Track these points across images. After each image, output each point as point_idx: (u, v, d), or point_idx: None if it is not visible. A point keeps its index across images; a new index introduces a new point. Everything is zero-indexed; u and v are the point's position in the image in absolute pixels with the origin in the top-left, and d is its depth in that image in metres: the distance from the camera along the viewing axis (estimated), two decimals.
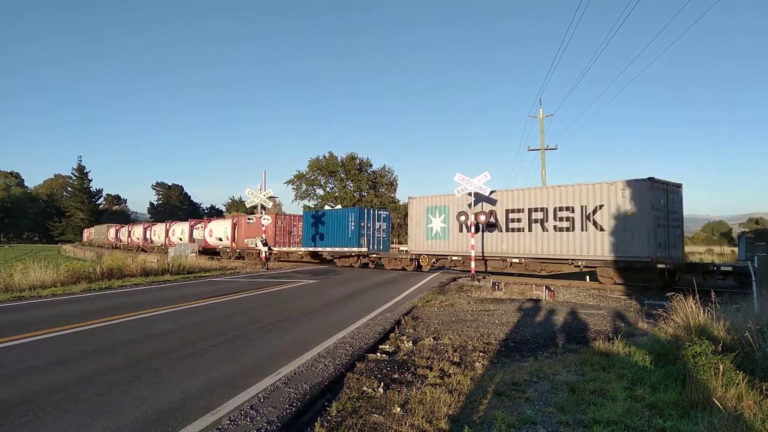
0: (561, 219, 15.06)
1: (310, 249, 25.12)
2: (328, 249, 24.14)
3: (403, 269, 20.55)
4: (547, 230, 15.40)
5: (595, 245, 14.24)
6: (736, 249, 21.74)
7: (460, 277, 16.82)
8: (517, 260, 16.27)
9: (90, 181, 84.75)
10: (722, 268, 12.49)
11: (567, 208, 14.92)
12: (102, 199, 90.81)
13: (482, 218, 15.66)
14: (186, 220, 41.21)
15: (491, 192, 15.91)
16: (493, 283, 13.50)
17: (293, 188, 50.83)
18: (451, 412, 3.90)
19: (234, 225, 31.19)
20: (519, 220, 16.21)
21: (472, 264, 16.00)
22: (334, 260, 24.73)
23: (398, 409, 3.97)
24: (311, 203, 49.70)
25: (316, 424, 3.69)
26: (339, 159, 49.53)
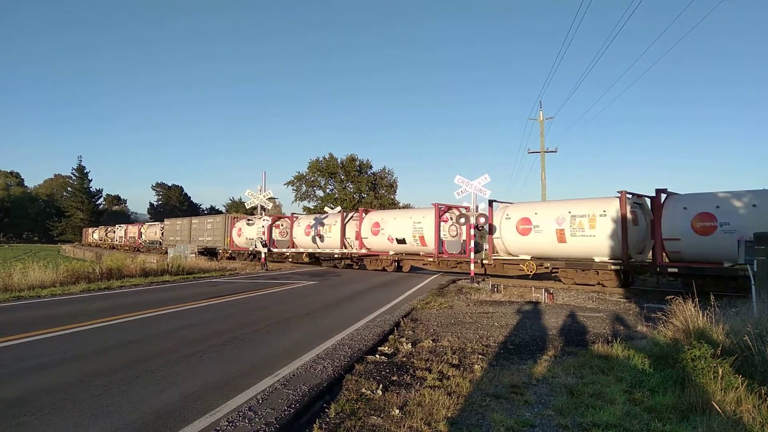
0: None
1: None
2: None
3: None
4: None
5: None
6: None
7: (459, 279, 16.81)
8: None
9: (90, 181, 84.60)
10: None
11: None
12: (102, 199, 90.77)
13: (482, 220, 15.66)
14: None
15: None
16: (492, 286, 13.50)
17: (293, 189, 50.84)
18: (449, 415, 3.90)
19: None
20: None
21: (471, 266, 16.00)
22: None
23: (397, 411, 3.97)
24: (311, 204, 49.74)
25: (314, 425, 3.69)
26: (339, 160, 49.57)
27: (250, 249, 27.06)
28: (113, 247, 50.15)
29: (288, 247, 25.79)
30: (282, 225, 26.77)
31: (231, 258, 29.97)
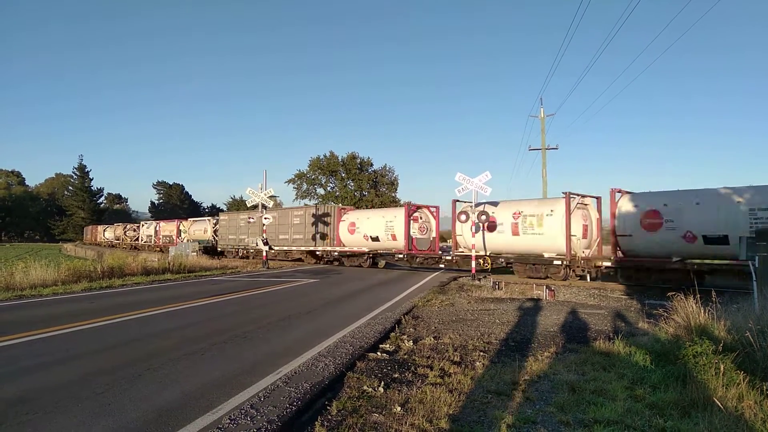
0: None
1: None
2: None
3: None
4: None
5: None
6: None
7: (460, 277, 16.81)
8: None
9: (91, 180, 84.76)
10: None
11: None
12: (103, 198, 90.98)
13: (483, 218, 15.63)
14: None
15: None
16: (494, 283, 13.50)
17: (294, 187, 50.85)
18: (451, 412, 3.90)
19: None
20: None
21: (473, 263, 15.98)
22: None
23: (398, 408, 3.97)
24: (312, 203, 49.74)
25: (316, 423, 3.69)
26: (340, 158, 49.55)
27: (366, 250, 20.57)
28: (136, 248, 43.08)
29: (431, 248, 19.24)
30: (422, 218, 19.85)
31: (334, 261, 23.17)
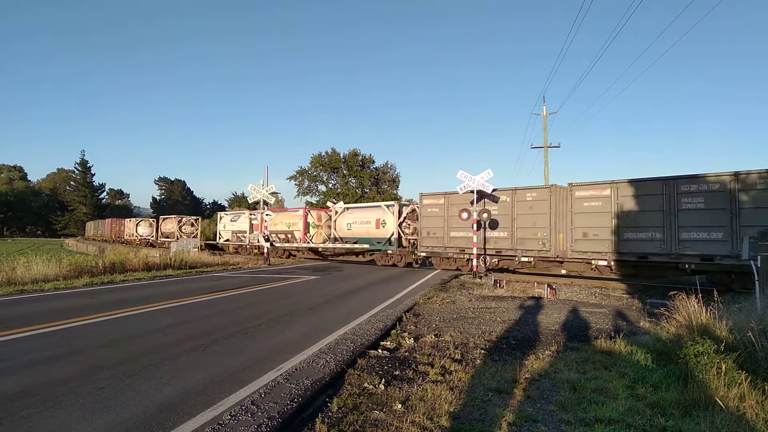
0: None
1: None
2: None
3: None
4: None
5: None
6: None
7: (461, 275, 16.81)
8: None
9: (93, 175, 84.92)
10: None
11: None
12: (104, 193, 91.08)
13: (485, 215, 15.61)
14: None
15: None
16: (495, 281, 13.49)
17: (295, 184, 50.84)
18: (452, 410, 3.90)
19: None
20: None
21: (474, 261, 15.97)
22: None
23: (399, 405, 3.97)
24: (313, 199, 49.71)
25: (316, 420, 3.69)
26: (341, 155, 49.51)
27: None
28: (219, 249, 29.39)
29: None
30: None
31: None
